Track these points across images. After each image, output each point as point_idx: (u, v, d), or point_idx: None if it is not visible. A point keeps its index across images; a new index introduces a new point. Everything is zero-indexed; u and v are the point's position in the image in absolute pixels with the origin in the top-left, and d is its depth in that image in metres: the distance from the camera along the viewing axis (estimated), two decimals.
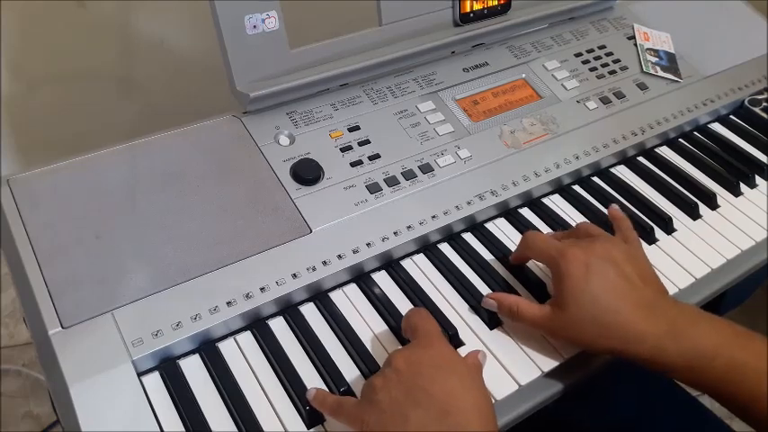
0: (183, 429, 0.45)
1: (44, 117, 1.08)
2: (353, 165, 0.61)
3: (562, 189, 0.67)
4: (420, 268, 0.57)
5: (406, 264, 0.58)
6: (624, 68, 0.77)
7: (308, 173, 0.59)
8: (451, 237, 0.60)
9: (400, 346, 0.51)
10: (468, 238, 0.61)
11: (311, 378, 0.49)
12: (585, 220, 0.64)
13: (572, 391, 0.51)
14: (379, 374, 0.43)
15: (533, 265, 0.58)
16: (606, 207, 0.65)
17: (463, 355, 0.47)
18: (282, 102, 0.63)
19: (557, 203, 0.66)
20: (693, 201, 0.66)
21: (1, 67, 0.99)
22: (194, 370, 0.48)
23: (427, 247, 0.59)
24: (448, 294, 0.56)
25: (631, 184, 0.68)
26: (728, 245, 0.63)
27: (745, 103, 0.80)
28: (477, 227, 0.62)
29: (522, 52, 0.75)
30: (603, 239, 0.50)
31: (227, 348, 0.50)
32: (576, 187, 0.67)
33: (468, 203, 0.61)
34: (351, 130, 0.63)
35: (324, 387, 0.48)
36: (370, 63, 0.65)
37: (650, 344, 0.45)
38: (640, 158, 0.72)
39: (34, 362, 1.16)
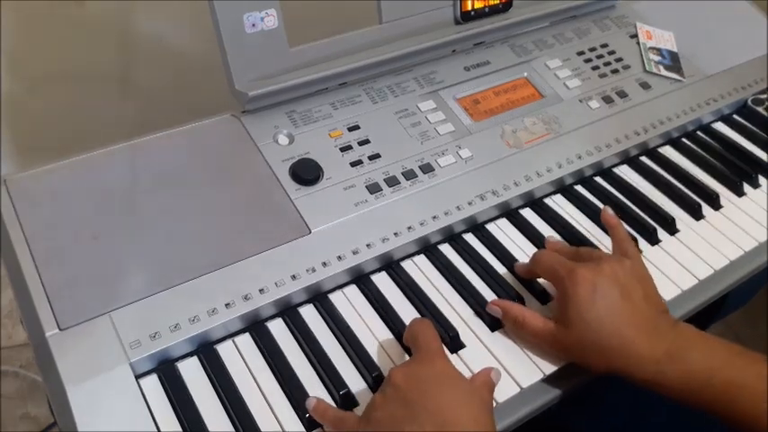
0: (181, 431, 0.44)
1: (44, 117, 1.08)
2: (353, 165, 0.60)
3: (564, 189, 0.66)
4: (420, 269, 0.57)
5: (406, 265, 0.57)
6: (627, 67, 0.76)
7: (307, 173, 0.58)
8: (452, 237, 0.60)
9: (399, 348, 0.51)
10: (469, 238, 0.60)
11: (310, 380, 0.48)
12: (588, 220, 0.64)
13: (574, 394, 0.51)
14: (379, 392, 0.43)
15: None
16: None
17: (474, 371, 0.47)
18: (281, 101, 0.63)
19: (559, 204, 0.65)
20: (696, 201, 0.66)
21: (1, 67, 0.98)
22: (192, 372, 0.48)
23: (428, 248, 0.58)
24: (449, 296, 0.55)
25: (634, 185, 0.68)
26: (731, 246, 0.62)
27: (749, 102, 0.79)
28: (478, 227, 0.61)
29: (523, 51, 0.75)
30: (609, 260, 0.50)
31: (225, 350, 0.49)
32: (579, 187, 0.67)
33: (470, 204, 0.60)
34: (350, 129, 0.63)
35: (323, 389, 0.48)
36: (370, 62, 0.65)
37: (650, 367, 0.46)
38: (643, 158, 0.71)
39: (32, 363, 1.15)
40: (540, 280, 0.56)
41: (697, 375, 0.45)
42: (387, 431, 0.40)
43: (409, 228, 0.57)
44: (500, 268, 0.58)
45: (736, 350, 0.47)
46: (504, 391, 0.48)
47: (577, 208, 0.65)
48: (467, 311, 0.54)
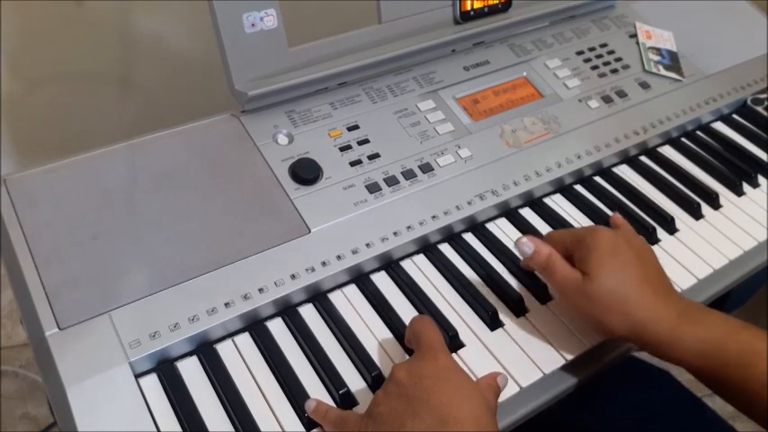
0: (181, 431, 0.44)
1: (43, 117, 1.08)
2: (353, 164, 0.60)
3: (564, 189, 0.66)
4: (420, 269, 0.57)
5: (405, 264, 0.57)
6: (626, 67, 0.76)
7: (306, 172, 0.58)
8: (452, 237, 0.60)
9: (399, 348, 0.51)
10: (469, 238, 0.60)
11: (310, 380, 0.48)
12: (587, 219, 0.64)
13: (574, 393, 0.51)
14: (381, 388, 0.43)
15: None
16: (608, 207, 0.65)
17: (474, 370, 0.47)
18: (281, 101, 0.63)
19: (558, 203, 0.65)
20: (696, 200, 0.66)
21: (1, 67, 0.99)
22: (192, 372, 0.48)
23: (427, 248, 0.59)
24: (448, 295, 0.55)
25: (633, 184, 0.68)
26: (731, 245, 0.62)
27: (748, 102, 0.79)
28: (477, 227, 0.61)
29: (523, 51, 0.75)
30: (625, 231, 0.52)
31: (225, 350, 0.49)
32: (578, 187, 0.67)
33: (469, 203, 0.60)
34: (350, 129, 0.63)
35: (322, 389, 0.48)
36: (370, 61, 0.65)
37: (668, 325, 0.46)
38: (642, 158, 0.71)
39: (32, 363, 1.16)
40: (540, 276, 0.56)
41: (712, 337, 0.46)
42: (388, 427, 0.40)
43: (409, 227, 0.57)
44: (500, 268, 0.58)
45: (747, 323, 0.47)
46: (503, 391, 0.48)
47: (577, 207, 0.65)
48: (466, 311, 0.54)
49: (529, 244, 0.51)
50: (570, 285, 0.49)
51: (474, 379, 0.48)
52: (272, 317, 0.52)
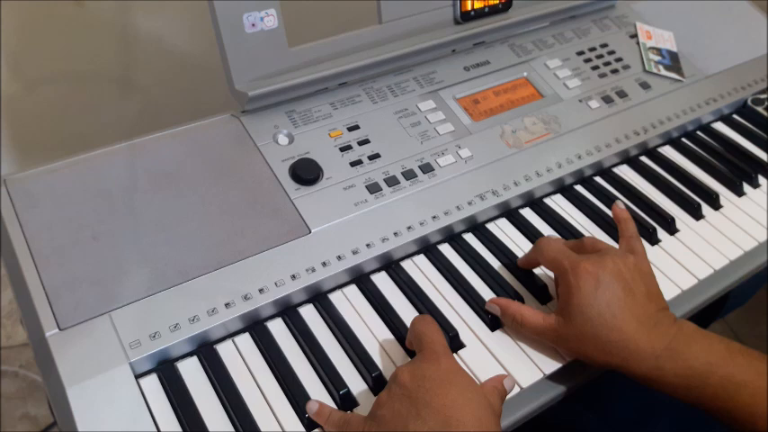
0: (181, 431, 0.45)
1: (43, 117, 1.08)
2: (353, 164, 0.60)
3: (564, 189, 0.66)
4: (420, 269, 0.57)
5: (406, 265, 0.57)
6: (626, 67, 0.76)
7: (307, 173, 0.58)
8: (452, 237, 0.60)
9: (400, 348, 0.51)
10: (469, 238, 0.60)
11: (310, 380, 0.48)
12: (588, 219, 0.64)
13: (574, 393, 0.51)
14: (385, 390, 0.43)
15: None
16: (609, 207, 0.64)
17: (474, 371, 0.47)
18: (281, 101, 0.63)
19: (558, 203, 0.65)
20: (696, 201, 0.66)
21: (1, 67, 0.98)
22: (192, 372, 0.48)
23: (428, 248, 0.59)
24: (448, 295, 0.55)
25: (634, 184, 0.68)
26: (731, 245, 0.62)
27: (748, 102, 0.79)
28: (478, 227, 0.61)
29: (523, 51, 0.75)
30: (613, 254, 0.50)
31: (225, 350, 0.49)
32: (579, 187, 0.67)
33: (469, 204, 0.60)
34: (350, 129, 0.63)
35: (323, 389, 0.48)
36: (370, 61, 0.65)
37: (649, 363, 0.46)
38: (643, 158, 0.71)
39: (32, 363, 1.16)
40: (541, 277, 0.56)
41: (696, 371, 0.45)
42: (391, 429, 0.40)
43: (409, 228, 0.57)
44: (500, 268, 0.58)
45: (735, 348, 0.47)
46: None
47: (577, 208, 0.65)
48: (466, 311, 0.54)
49: (495, 307, 0.52)
50: (547, 334, 0.50)
51: (475, 379, 0.48)
52: (272, 317, 0.52)
